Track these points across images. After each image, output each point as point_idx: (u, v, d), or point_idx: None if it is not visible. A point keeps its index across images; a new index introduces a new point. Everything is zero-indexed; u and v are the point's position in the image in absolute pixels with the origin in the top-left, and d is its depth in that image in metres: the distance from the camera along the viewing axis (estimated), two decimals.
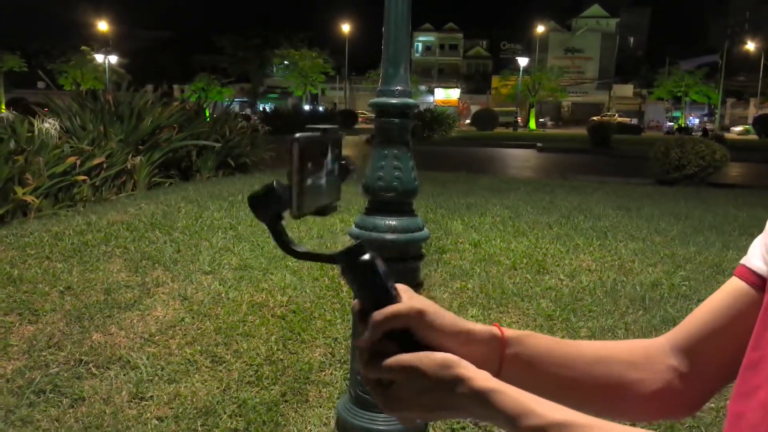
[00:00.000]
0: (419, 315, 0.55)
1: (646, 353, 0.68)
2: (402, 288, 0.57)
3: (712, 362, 0.64)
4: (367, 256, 0.54)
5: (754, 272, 0.63)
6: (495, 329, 0.61)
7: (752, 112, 54.03)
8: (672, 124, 54.25)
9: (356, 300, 0.56)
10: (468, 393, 0.52)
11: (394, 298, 0.55)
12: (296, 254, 0.57)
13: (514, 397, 0.51)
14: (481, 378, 0.52)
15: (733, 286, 0.65)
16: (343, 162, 0.59)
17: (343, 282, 3.47)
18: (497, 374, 0.54)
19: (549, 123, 58.32)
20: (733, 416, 0.58)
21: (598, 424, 0.49)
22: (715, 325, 0.65)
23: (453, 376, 0.52)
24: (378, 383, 0.56)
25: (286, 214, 0.56)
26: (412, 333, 0.55)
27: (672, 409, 0.68)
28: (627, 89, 67.89)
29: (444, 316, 0.57)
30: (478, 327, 0.60)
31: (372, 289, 0.55)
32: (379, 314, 0.54)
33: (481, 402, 0.51)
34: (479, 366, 0.54)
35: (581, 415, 0.50)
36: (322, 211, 0.58)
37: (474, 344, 0.59)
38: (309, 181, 0.54)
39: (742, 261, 0.65)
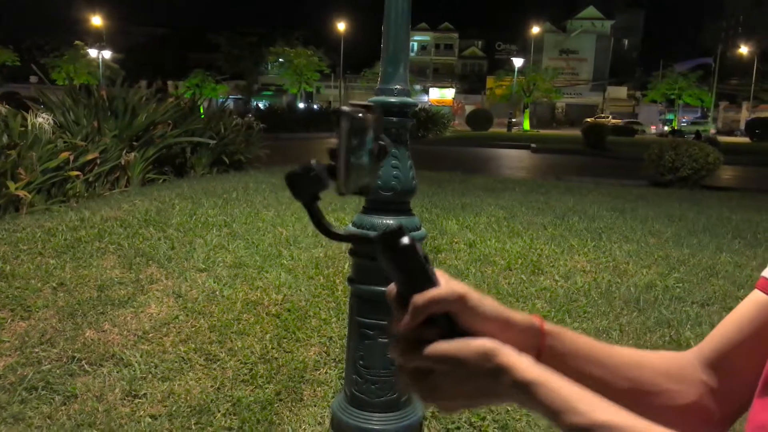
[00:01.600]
0: (461, 299, 0.53)
1: (679, 365, 0.67)
2: (439, 272, 0.55)
3: (741, 376, 0.63)
4: (406, 240, 0.52)
5: None
6: (535, 319, 0.60)
7: (745, 115, 54.34)
8: (659, 127, 54.56)
9: (392, 285, 0.54)
10: (509, 383, 0.50)
11: (434, 283, 0.53)
12: (333, 235, 0.55)
13: (557, 392, 0.49)
14: (523, 367, 0.51)
15: (755, 299, 0.64)
16: (382, 142, 0.57)
17: (338, 281, 3.46)
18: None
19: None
20: (756, 427, 0.57)
21: (641, 426, 0.48)
22: (739, 338, 0.64)
23: (494, 366, 0.51)
24: (415, 372, 0.54)
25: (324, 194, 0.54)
26: (451, 318, 0.54)
27: (703, 425, 0.66)
28: (621, 91, 68.14)
29: (484, 301, 0.55)
30: (519, 315, 0.58)
31: (413, 273, 0.53)
32: (421, 297, 0.52)
33: (524, 393, 0.50)
34: (518, 349, 0.52)
35: (626, 416, 0.48)
36: (364, 190, 0.56)
37: (513, 332, 0.57)
38: (354, 158, 0.53)
39: (764, 273, 0.65)
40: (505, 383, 0.51)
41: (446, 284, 0.53)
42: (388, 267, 0.53)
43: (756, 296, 0.64)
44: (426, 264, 0.53)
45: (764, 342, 0.60)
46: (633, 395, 0.64)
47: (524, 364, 0.51)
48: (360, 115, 0.53)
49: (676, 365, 0.67)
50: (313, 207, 0.54)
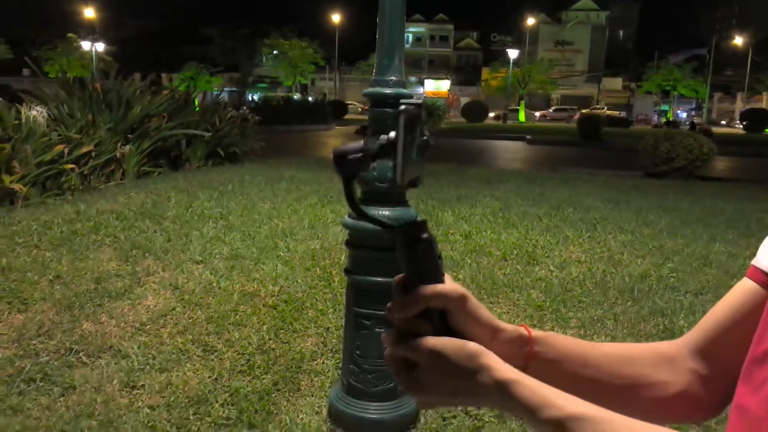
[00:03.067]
0: (462, 299, 0.56)
1: (668, 356, 0.69)
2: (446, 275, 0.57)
3: (729, 362, 0.64)
4: (426, 234, 0.55)
5: (763, 272, 0.64)
6: (522, 329, 0.62)
7: (739, 106, 54.44)
8: (654, 117, 54.63)
9: (401, 275, 0.56)
10: (489, 382, 0.52)
11: (442, 280, 0.56)
12: (361, 214, 0.57)
13: (533, 389, 0.51)
14: (503, 369, 0.53)
15: (744, 287, 0.66)
16: (425, 137, 0.59)
17: (335, 272, 3.48)
18: (523, 371, 0.55)
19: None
20: (737, 409, 0.59)
21: (615, 418, 0.50)
22: (727, 325, 0.66)
23: (476, 365, 0.53)
24: (401, 363, 0.56)
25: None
26: (445, 316, 0.56)
27: (694, 412, 0.68)
28: (616, 82, 68.12)
29: (480, 307, 0.58)
30: (508, 326, 0.61)
31: (425, 267, 0.55)
32: (426, 289, 0.54)
33: (501, 392, 0.52)
34: (505, 360, 0.54)
35: (600, 409, 0.50)
36: (416, 182, 0.58)
37: (502, 341, 0.60)
38: (408, 152, 0.54)
39: (753, 261, 0.66)
40: (484, 382, 0.52)
41: (450, 284, 0.56)
42: (403, 257, 0.55)
43: (745, 284, 0.66)
44: (438, 261, 0.55)
45: (751, 328, 0.61)
46: (624, 391, 0.66)
47: (504, 365, 0.53)
48: (415, 110, 0.55)
49: (665, 356, 0.69)
50: (351, 184, 0.56)
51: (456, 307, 0.56)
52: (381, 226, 0.56)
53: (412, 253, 0.55)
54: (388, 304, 0.56)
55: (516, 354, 0.61)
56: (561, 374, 0.63)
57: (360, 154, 0.54)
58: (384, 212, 2.05)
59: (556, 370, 0.63)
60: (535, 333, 0.63)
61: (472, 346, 0.54)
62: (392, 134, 0.54)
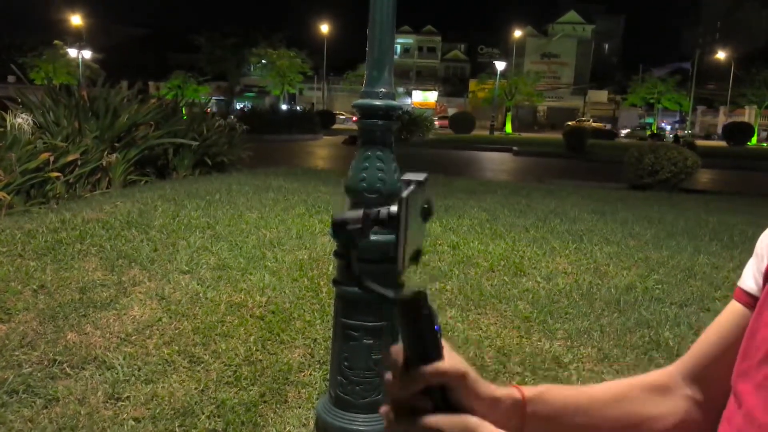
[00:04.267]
0: (462, 377, 0.56)
1: (661, 386, 0.70)
2: (444, 344, 0.57)
3: (722, 385, 0.65)
4: (428, 310, 0.54)
5: (747, 293, 0.65)
6: (516, 393, 0.63)
7: (722, 120, 55.25)
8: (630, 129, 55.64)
9: (400, 346, 0.56)
10: None
11: (441, 355, 0.55)
12: (360, 285, 0.56)
13: None
14: None
15: (732, 309, 0.67)
16: (426, 206, 0.58)
17: (322, 283, 3.47)
18: (521, 431, 0.56)
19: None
20: (725, 421, 0.60)
21: None
22: (719, 348, 0.67)
23: None
24: None
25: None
26: (445, 390, 0.56)
27: None
28: (602, 95, 68.90)
29: (479, 381, 0.59)
30: (503, 392, 0.62)
31: (426, 342, 0.55)
32: (428, 369, 0.54)
33: None
34: (501, 427, 0.55)
35: None
36: (415, 257, 0.57)
37: (499, 410, 0.61)
38: (411, 232, 0.54)
39: (738, 283, 0.67)
40: None
41: (450, 358, 0.56)
42: (404, 331, 0.55)
43: (733, 306, 0.67)
44: (438, 335, 0.55)
45: None
46: (620, 430, 0.67)
47: None
48: (417, 192, 0.55)
49: (658, 387, 0.70)
50: (350, 253, 0.56)
51: (456, 384, 0.56)
52: (380, 299, 0.55)
53: (412, 327, 0.54)
54: (386, 376, 0.56)
55: (512, 417, 0.62)
56: (556, 427, 0.64)
57: (359, 225, 0.54)
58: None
59: (552, 424, 0.64)
60: (528, 393, 0.64)
61: (471, 421, 0.55)
62: (393, 208, 0.54)
